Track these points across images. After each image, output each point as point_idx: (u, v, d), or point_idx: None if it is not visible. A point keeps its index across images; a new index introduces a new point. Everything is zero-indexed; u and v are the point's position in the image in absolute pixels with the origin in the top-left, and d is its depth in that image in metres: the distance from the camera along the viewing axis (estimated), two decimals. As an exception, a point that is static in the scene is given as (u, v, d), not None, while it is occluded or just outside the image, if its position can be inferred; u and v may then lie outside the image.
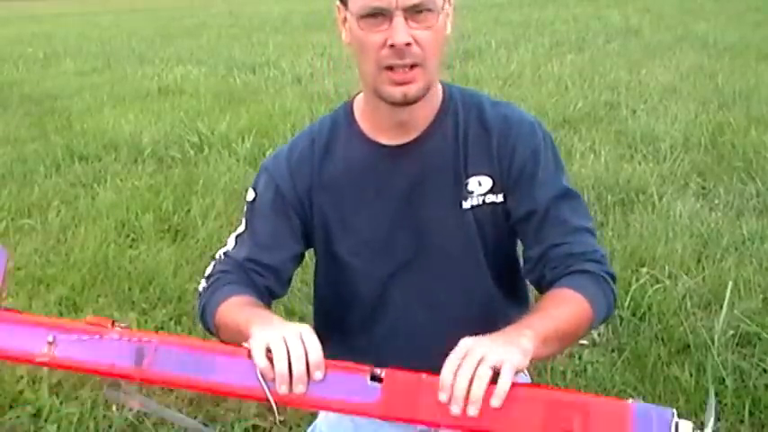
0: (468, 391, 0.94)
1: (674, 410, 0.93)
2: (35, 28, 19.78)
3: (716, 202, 3.97)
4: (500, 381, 0.94)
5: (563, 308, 1.15)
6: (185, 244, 3.83)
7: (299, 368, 0.99)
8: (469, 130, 1.30)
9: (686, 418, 0.93)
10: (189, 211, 4.23)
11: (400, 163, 1.29)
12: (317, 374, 1.00)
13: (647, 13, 13.10)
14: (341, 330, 1.40)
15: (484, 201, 1.28)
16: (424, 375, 0.99)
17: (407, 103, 1.21)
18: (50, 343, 1.07)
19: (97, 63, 11.42)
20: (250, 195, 1.36)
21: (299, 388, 1.00)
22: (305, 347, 1.01)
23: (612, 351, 2.67)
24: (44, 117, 7.28)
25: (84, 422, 2.36)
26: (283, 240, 1.33)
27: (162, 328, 2.97)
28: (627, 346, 2.66)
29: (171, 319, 3.05)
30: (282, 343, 1.01)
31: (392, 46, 1.15)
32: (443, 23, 1.20)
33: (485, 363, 0.95)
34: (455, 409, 0.94)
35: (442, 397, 0.95)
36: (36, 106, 7.94)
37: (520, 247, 1.38)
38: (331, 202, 1.32)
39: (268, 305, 1.30)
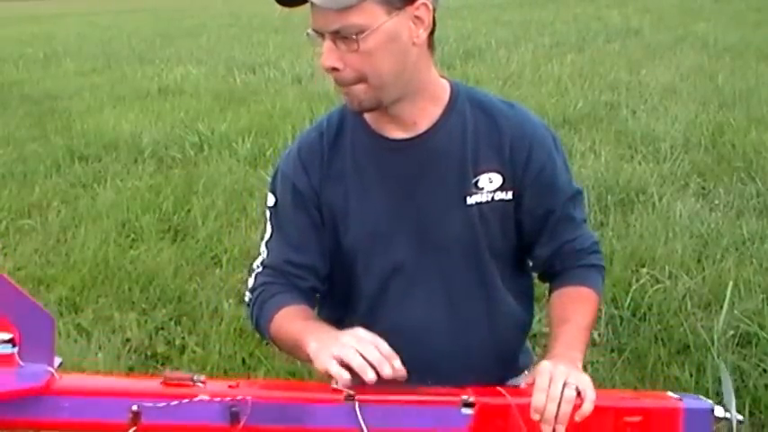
0: (557, 413, 1.07)
1: (712, 404, 1.13)
2: (35, 28, 19.79)
3: (716, 202, 3.97)
4: (586, 403, 1.08)
5: (586, 310, 1.30)
6: (185, 244, 3.83)
7: (374, 356, 1.07)
8: (480, 127, 1.30)
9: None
10: (189, 211, 4.23)
11: (403, 156, 1.30)
12: (396, 363, 1.08)
13: (647, 14, 13.11)
14: (343, 328, 1.40)
15: (493, 197, 1.29)
16: (508, 397, 1.10)
17: (358, 112, 1.26)
18: (135, 413, 1.02)
19: (97, 63, 11.43)
20: (270, 200, 1.37)
21: (386, 369, 1.07)
22: (371, 340, 1.09)
23: (612, 351, 2.67)
24: (44, 117, 7.29)
25: (84, 422, 2.36)
26: (311, 236, 1.34)
27: (162, 329, 2.98)
28: (627, 347, 2.67)
29: (171, 319, 3.06)
30: (347, 346, 1.08)
31: None
32: (379, 42, 1.16)
33: (569, 386, 1.08)
34: (546, 429, 1.07)
35: (535, 417, 1.08)
36: (36, 106, 7.95)
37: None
38: (338, 193, 1.33)
39: (314, 306, 1.36)
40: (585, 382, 1.10)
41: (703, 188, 4.25)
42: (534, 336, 2.63)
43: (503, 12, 15.65)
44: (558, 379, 1.09)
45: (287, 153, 1.39)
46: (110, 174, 5.11)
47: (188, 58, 11.21)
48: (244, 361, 2.68)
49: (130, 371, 2.66)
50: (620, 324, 2.79)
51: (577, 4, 15.68)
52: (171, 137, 5.98)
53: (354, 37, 1.14)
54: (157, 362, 2.73)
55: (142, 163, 5.36)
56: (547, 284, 1.41)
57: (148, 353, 2.80)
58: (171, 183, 4.76)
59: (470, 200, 1.29)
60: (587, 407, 1.07)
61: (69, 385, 1.07)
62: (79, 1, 37.08)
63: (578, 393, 1.08)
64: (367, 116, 1.32)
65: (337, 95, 1.25)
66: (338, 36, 1.15)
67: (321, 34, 1.17)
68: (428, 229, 1.31)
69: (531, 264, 1.42)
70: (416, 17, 1.19)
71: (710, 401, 1.13)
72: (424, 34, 1.21)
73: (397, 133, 1.30)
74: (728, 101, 6.14)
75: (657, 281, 3.03)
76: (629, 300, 2.88)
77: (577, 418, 1.07)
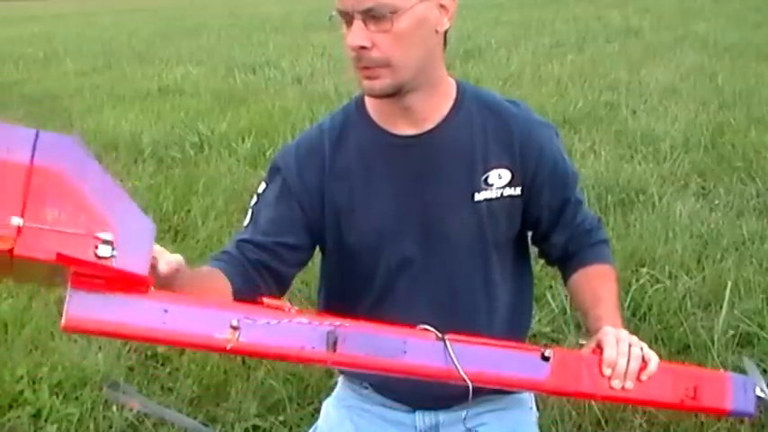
0: (627, 370, 1.13)
1: (755, 381, 1.21)
2: (35, 28, 19.77)
3: (716, 202, 3.97)
4: (651, 363, 1.15)
5: (612, 286, 1.36)
6: (185, 244, 3.82)
7: None
8: (487, 125, 1.32)
9: None
10: (189, 211, 4.23)
11: (411, 153, 1.31)
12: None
13: (647, 13, 13.10)
14: None
15: (502, 194, 1.31)
16: (583, 354, 1.16)
17: (376, 96, 1.26)
18: (234, 327, 1.00)
19: (97, 63, 11.42)
20: (260, 188, 1.38)
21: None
22: None
23: (612, 351, 2.67)
24: (44, 117, 7.27)
25: (84, 422, 2.36)
26: (282, 228, 1.33)
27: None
28: (627, 347, 2.66)
29: (171, 319, 3.05)
30: None
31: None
32: (411, 23, 1.18)
33: (636, 346, 1.15)
34: (616, 384, 1.13)
35: (607, 372, 1.13)
36: (36, 106, 7.94)
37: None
38: (343, 191, 1.33)
39: (253, 279, 1.29)
40: (647, 346, 1.17)
41: (703, 188, 4.25)
42: (534, 336, 2.64)
43: (503, 12, 15.65)
44: (625, 339, 1.16)
45: (285, 147, 1.40)
46: (110, 174, 5.10)
47: (188, 58, 11.21)
48: (244, 361, 2.68)
49: (130, 371, 2.66)
50: (620, 324, 2.79)
51: (577, 4, 15.68)
52: (171, 137, 5.98)
53: (389, 15, 1.15)
54: (157, 362, 2.73)
55: (142, 163, 5.36)
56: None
57: (148, 353, 2.80)
58: (171, 183, 4.75)
59: (479, 196, 1.30)
60: (653, 366, 1.14)
61: (168, 294, 1.01)
62: (79, 1, 37.08)
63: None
64: (373, 112, 1.33)
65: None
66: (369, 15, 1.16)
67: (348, 16, 1.18)
68: (435, 226, 1.32)
69: (545, 251, 1.46)
70: (442, 5, 1.22)
71: (753, 378, 1.21)
72: (447, 24, 1.23)
73: (404, 129, 1.30)
74: (728, 101, 6.14)
75: (657, 281, 3.02)
76: (629, 300, 2.87)
77: (644, 377, 1.13)
